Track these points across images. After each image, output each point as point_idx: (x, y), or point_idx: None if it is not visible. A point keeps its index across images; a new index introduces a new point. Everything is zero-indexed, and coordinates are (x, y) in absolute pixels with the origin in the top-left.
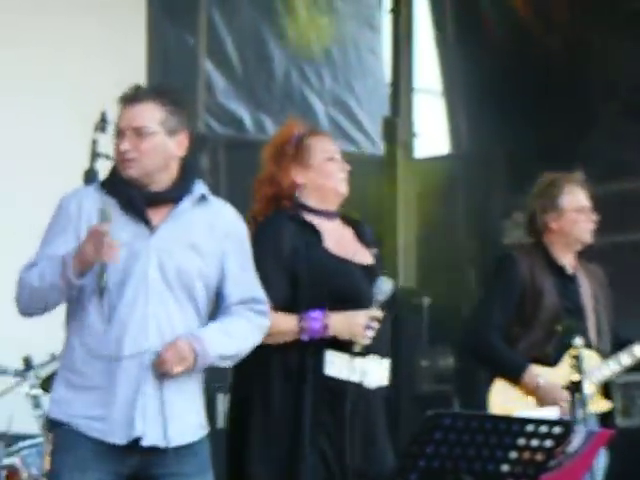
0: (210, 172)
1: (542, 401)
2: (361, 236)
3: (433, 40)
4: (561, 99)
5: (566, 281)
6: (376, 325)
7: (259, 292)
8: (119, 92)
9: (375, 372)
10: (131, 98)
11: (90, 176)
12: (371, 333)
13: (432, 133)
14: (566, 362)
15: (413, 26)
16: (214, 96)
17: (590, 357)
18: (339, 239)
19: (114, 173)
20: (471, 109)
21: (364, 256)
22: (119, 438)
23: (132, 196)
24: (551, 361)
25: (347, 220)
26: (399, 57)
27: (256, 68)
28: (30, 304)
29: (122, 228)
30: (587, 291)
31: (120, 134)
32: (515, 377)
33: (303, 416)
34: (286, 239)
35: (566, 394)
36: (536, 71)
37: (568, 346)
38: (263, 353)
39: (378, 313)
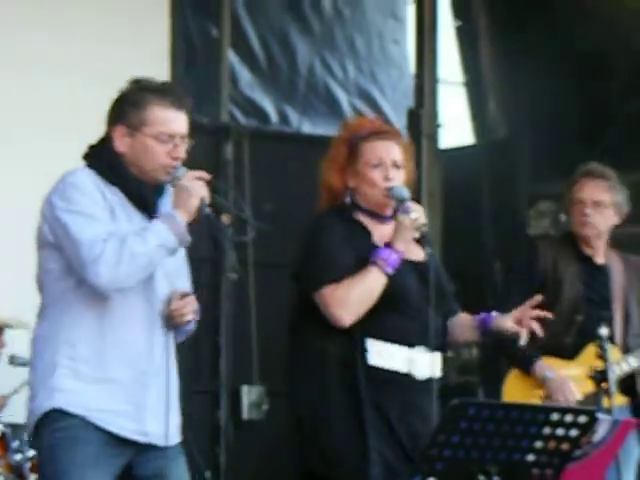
0: (234, 163)
1: (550, 395)
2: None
3: (455, 30)
4: (587, 86)
5: (594, 271)
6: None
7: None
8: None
9: (423, 363)
10: (181, 104)
11: None
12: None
13: (457, 124)
14: (585, 355)
15: (437, 16)
16: (238, 88)
17: (611, 351)
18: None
19: (118, 164)
20: (495, 99)
21: (416, 254)
22: (130, 433)
23: (144, 193)
24: (570, 353)
25: None
26: (423, 48)
27: (280, 59)
28: (130, 272)
29: (135, 221)
30: (618, 282)
31: (176, 140)
32: (525, 369)
33: (363, 403)
34: (339, 231)
35: (574, 389)
36: (563, 60)
37: (588, 338)
38: (312, 350)
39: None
